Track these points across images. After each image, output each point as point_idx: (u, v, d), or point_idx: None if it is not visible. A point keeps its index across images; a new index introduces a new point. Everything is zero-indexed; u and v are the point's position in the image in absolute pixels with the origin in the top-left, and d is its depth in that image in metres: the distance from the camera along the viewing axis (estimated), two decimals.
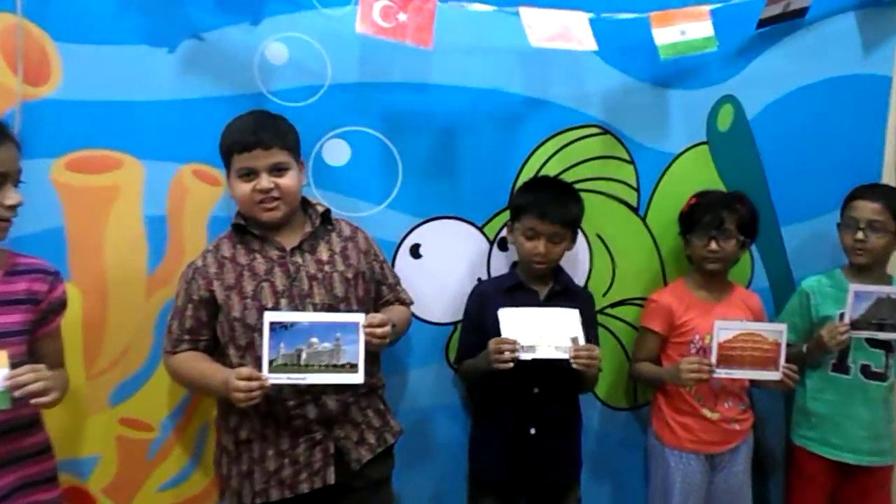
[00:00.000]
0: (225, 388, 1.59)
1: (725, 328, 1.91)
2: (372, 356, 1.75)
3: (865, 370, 2.08)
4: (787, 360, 1.93)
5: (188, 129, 1.87)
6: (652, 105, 2.17)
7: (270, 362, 1.60)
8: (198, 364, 1.72)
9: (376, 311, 1.83)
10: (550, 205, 1.91)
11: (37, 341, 1.58)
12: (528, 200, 1.95)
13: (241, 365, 1.66)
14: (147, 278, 1.90)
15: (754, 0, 2.07)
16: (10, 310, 1.51)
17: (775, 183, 2.29)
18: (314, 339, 1.61)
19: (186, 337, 1.73)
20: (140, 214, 1.88)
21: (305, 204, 1.80)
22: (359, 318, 1.64)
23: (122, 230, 1.87)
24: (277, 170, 1.68)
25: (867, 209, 2.05)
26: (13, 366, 1.41)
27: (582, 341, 1.81)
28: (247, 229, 1.73)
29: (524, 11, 1.87)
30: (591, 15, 1.92)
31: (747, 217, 2.06)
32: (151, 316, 1.90)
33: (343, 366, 1.63)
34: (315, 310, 1.68)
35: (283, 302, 1.69)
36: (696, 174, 2.22)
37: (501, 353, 1.78)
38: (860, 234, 2.05)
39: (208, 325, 1.73)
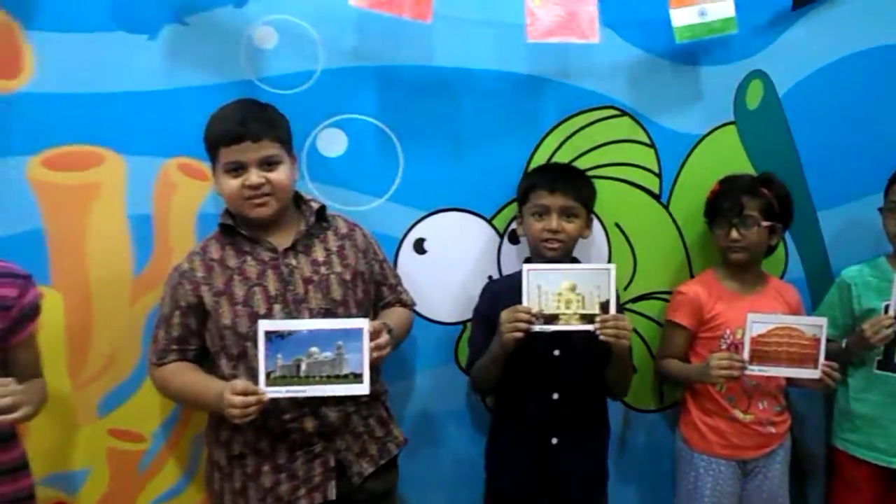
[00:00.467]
0: (219, 402, 1.49)
1: (759, 321, 1.78)
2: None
3: None
4: (827, 358, 1.80)
5: (172, 121, 1.77)
6: (673, 83, 2.03)
7: (267, 375, 1.50)
8: (188, 376, 1.62)
9: (376, 313, 1.74)
10: (559, 179, 1.81)
11: (9, 351, 1.49)
12: (534, 179, 1.85)
13: (234, 376, 1.56)
14: (132, 281, 1.80)
15: None
16: None
17: (810, 164, 2.14)
18: (314, 349, 1.51)
19: (174, 347, 1.63)
20: (123, 213, 1.79)
21: (298, 200, 1.70)
22: (362, 323, 1.54)
23: (104, 230, 1.78)
24: (268, 163, 1.58)
25: None
26: None
27: (613, 309, 1.66)
28: (236, 229, 1.62)
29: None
30: None
31: (776, 201, 1.93)
32: (138, 321, 1.81)
33: (346, 376, 1.53)
34: (311, 315, 1.59)
35: (277, 308, 1.59)
36: (723, 157, 2.08)
37: (515, 321, 1.64)
38: None
39: (197, 333, 1.63)
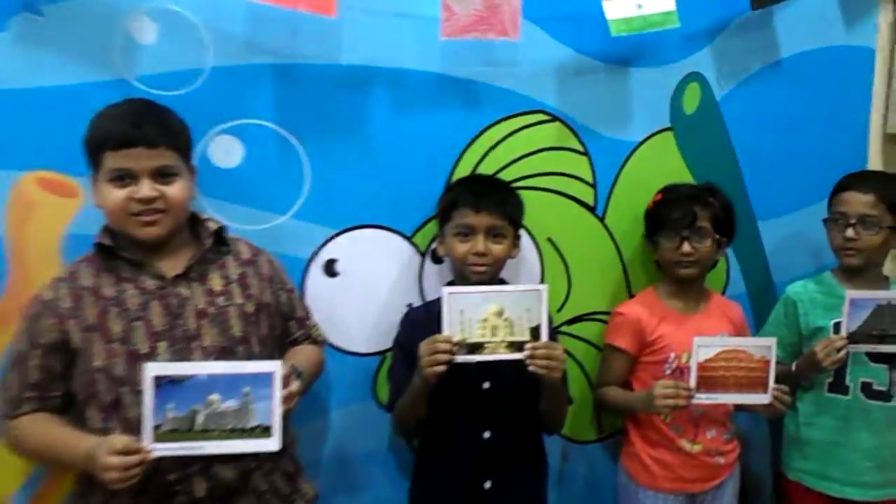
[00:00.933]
0: (90, 463, 1.25)
1: (706, 345, 1.65)
2: None
3: (867, 389, 1.81)
4: (777, 381, 1.68)
5: (29, 128, 1.51)
6: (606, 86, 1.89)
7: (155, 428, 1.27)
8: (48, 430, 1.36)
9: (281, 352, 1.54)
10: (484, 195, 1.66)
11: None
12: (456, 195, 1.69)
13: (105, 430, 1.33)
14: None
15: None
16: None
17: (750, 172, 2.04)
18: (214, 396, 1.30)
19: (30, 394, 1.37)
20: None
21: (194, 220, 1.48)
22: (273, 367, 1.33)
23: None
24: (163, 175, 1.37)
25: (858, 202, 1.80)
26: None
27: (545, 335, 1.51)
28: (115, 251, 1.38)
29: None
30: None
31: (722, 212, 1.82)
32: None
33: (253, 429, 1.31)
34: (204, 354, 1.38)
35: (162, 346, 1.36)
36: (661, 165, 1.95)
37: (434, 353, 1.47)
38: (851, 232, 1.80)
39: (61, 377, 1.38)
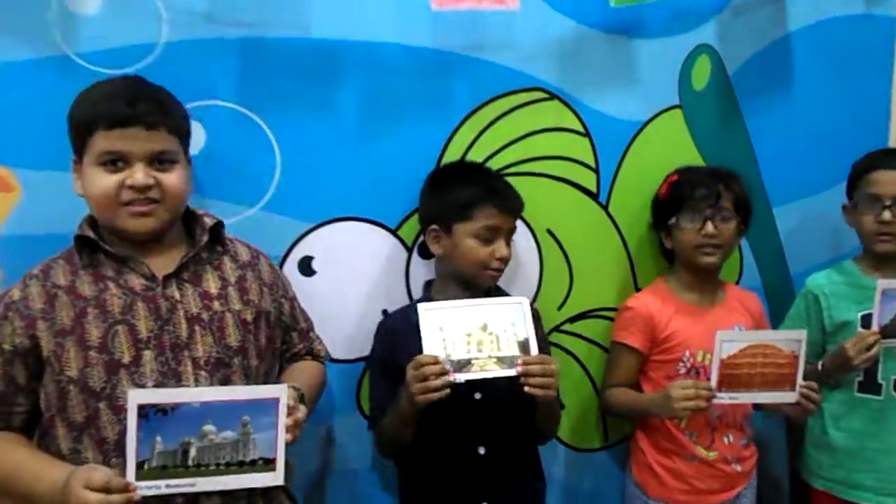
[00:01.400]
0: (59, 498, 1.11)
1: (730, 340, 1.54)
2: None
3: None
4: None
5: None
6: (609, 60, 1.76)
7: (140, 465, 1.12)
8: (7, 453, 1.21)
9: (282, 365, 1.44)
10: (505, 195, 1.58)
11: None
12: (478, 191, 1.55)
13: (75, 451, 1.19)
14: None
15: None
16: None
17: (764, 155, 1.94)
18: (209, 427, 1.15)
19: None
20: None
21: (188, 216, 1.35)
22: (278, 392, 1.18)
23: None
24: (161, 161, 1.25)
25: (893, 182, 1.69)
26: None
27: (534, 348, 1.40)
28: (99, 245, 1.24)
29: None
30: None
31: (742, 195, 1.72)
32: None
33: (253, 462, 1.17)
34: (196, 365, 1.24)
35: (148, 355, 1.22)
36: (669, 147, 1.84)
37: (425, 379, 1.34)
38: (887, 214, 1.68)
39: (26, 389, 1.23)
